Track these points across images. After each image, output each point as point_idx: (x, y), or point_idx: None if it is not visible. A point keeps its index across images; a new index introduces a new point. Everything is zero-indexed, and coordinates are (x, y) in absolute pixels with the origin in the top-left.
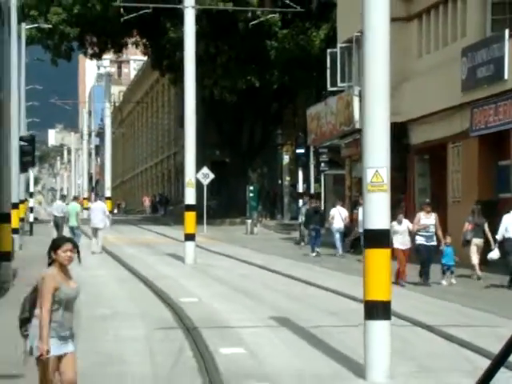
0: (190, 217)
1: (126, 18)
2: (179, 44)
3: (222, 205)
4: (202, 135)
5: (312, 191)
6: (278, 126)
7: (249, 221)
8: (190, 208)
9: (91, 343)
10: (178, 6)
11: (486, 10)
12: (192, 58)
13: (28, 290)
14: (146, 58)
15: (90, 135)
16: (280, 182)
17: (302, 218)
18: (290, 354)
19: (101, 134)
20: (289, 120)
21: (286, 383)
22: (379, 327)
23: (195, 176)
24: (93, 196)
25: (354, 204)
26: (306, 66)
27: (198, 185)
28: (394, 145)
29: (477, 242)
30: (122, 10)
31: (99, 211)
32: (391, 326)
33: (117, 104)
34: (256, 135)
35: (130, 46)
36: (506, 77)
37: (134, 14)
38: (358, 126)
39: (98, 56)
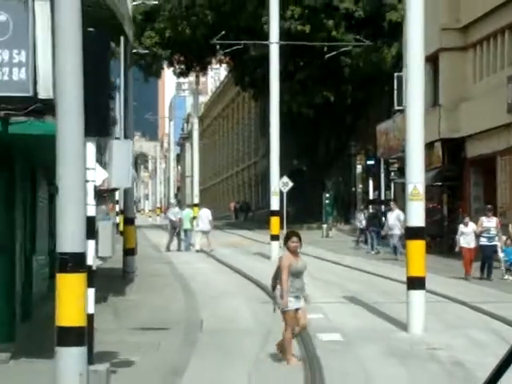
0: (274, 220)
1: (212, 42)
2: (260, 61)
3: (300, 211)
4: (281, 146)
5: (383, 198)
6: (351, 137)
7: (325, 225)
8: (274, 213)
9: (211, 311)
10: (265, 42)
11: None
12: (276, 89)
13: (150, 279)
14: (222, 68)
15: (169, 144)
16: (353, 189)
17: (358, 223)
18: (354, 318)
19: (181, 144)
20: (362, 131)
21: (350, 334)
22: (417, 295)
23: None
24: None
25: None
26: (378, 82)
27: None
28: (453, 157)
29: None
30: (209, 31)
31: (205, 217)
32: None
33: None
34: (331, 146)
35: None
36: None
37: (222, 42)
38: None
39: (185, 74)
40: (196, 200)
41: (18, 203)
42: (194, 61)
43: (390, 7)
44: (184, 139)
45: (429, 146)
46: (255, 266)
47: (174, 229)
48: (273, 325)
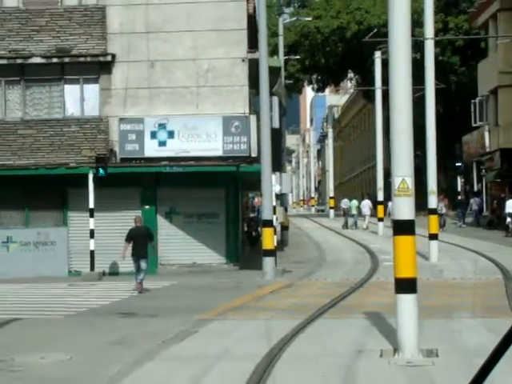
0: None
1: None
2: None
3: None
4: None
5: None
6: (457, 141)
7: None
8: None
9: (331, 256)
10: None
11: None
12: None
13: (297, 243)
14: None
15: (309, 142)
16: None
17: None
18: None
19: (321, 141)
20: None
21: None
22: (407, 300)
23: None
24: (316, 195)
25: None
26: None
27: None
28: (508, 162)
29: None
30: (339, 59)
31: (366, 205)
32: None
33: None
34: (441, 148)
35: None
36: None
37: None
38: (487, 150)
39: (321, 90)
40: (331, 194)
41: (238, 200)
42: (328, 80)
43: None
44: (324, 137)
45: (491, 154)
46: (364, 238)
47: (345, 214)
48: (360, 259)
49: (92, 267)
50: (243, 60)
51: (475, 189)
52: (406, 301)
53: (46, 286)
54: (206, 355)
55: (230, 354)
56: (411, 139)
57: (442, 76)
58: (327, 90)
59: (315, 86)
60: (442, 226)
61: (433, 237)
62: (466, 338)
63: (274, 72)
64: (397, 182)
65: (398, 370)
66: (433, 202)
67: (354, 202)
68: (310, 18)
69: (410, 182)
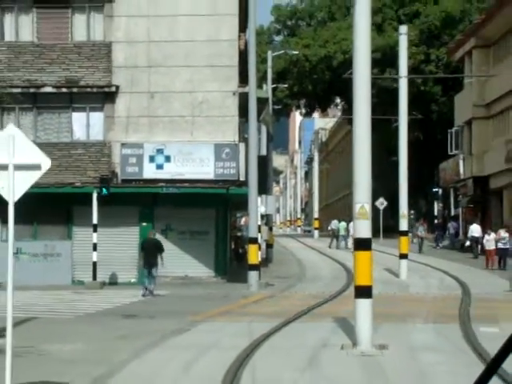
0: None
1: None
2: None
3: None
4: (385, 172)
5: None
6: (437, 168)
7: (410, 234)
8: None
9: (311, 272)
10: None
11: None
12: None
13: (280, 260)
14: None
15: (298, 163)
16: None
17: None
18: None
19: (309, 163)
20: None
21: None
22: (364, 304)
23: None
24: (303, 216)
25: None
26: None
27: (375, 210)
28: (481, 188)
29: None
30: (327, 86)
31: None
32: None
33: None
34: (422, 174)
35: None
36: None
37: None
38: (462, 177)
39: (309, 115)
40: (316, 215)
41: (227, 220)
42: (316, 105)
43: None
44: (311, 159)
45: (464, 181)
46: (344, 257)
47: (333, 234)
48: (337, 275)
49: (94, 277)
50: (234, 93)
51: (452, 213)
52: (363, 304)
53: (54, 292)
54: (199, 345)
55: (218, 345)
56: (370, 170)
57: (424, 105)
58: (315, 114)
59: (303, 110)
60: (420, 248)
61: (403, 256)
62: (415, 337)
63: (261, 101)
64: (357, 207)
65: (353, 359)
66: (403, 224)
67: (343, 224)
68: (296, 52)
69: (367, 207)
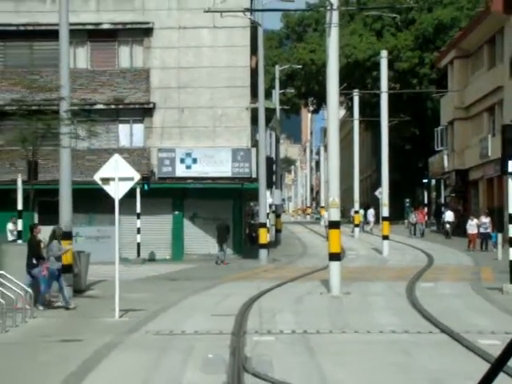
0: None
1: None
2: (370, 105)
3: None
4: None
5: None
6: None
7: (406, 220)
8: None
9: (311, 250)
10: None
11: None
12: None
13: (287, 243)
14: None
15: (311, 152)
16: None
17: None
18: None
19: (319, 153)
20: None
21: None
22: (335, 265)
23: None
24: (314, 204)
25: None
26: None
27: (375, 198)
28: (462, 180)
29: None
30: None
31: (370, 213)
32: None
33: None
34: (418, 165)
35: None
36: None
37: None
38: (446, 170)
39: (316, 111)
40: (322, 204)
41: (242, 209)
42: (322, 104)
43: None
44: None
45: (449, 173)
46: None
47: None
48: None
49: (138, 254)
50: (247, 108)
51: (443, 202)
52: (335, 265)
53: (108, 266)
54: (223, 294)
55: (236, 294)
56: (338, 172)
57: (420, 103)
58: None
59: (311, 108)
60: (414, 233)
61: (385, 237)
62: (371, 289)
63: (270, 111)
64: (330, 199)
65: (326, 299)
66: (385, 211)
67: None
68: (300, 66)
69: (337, 199)
